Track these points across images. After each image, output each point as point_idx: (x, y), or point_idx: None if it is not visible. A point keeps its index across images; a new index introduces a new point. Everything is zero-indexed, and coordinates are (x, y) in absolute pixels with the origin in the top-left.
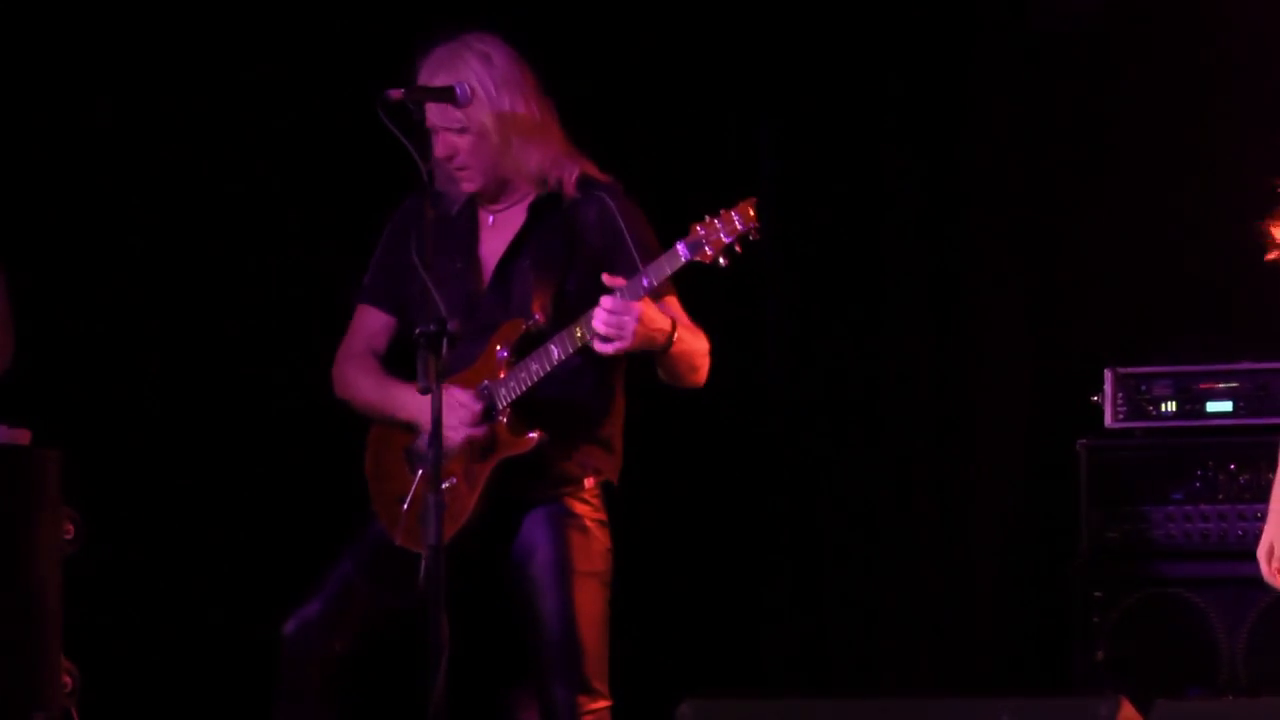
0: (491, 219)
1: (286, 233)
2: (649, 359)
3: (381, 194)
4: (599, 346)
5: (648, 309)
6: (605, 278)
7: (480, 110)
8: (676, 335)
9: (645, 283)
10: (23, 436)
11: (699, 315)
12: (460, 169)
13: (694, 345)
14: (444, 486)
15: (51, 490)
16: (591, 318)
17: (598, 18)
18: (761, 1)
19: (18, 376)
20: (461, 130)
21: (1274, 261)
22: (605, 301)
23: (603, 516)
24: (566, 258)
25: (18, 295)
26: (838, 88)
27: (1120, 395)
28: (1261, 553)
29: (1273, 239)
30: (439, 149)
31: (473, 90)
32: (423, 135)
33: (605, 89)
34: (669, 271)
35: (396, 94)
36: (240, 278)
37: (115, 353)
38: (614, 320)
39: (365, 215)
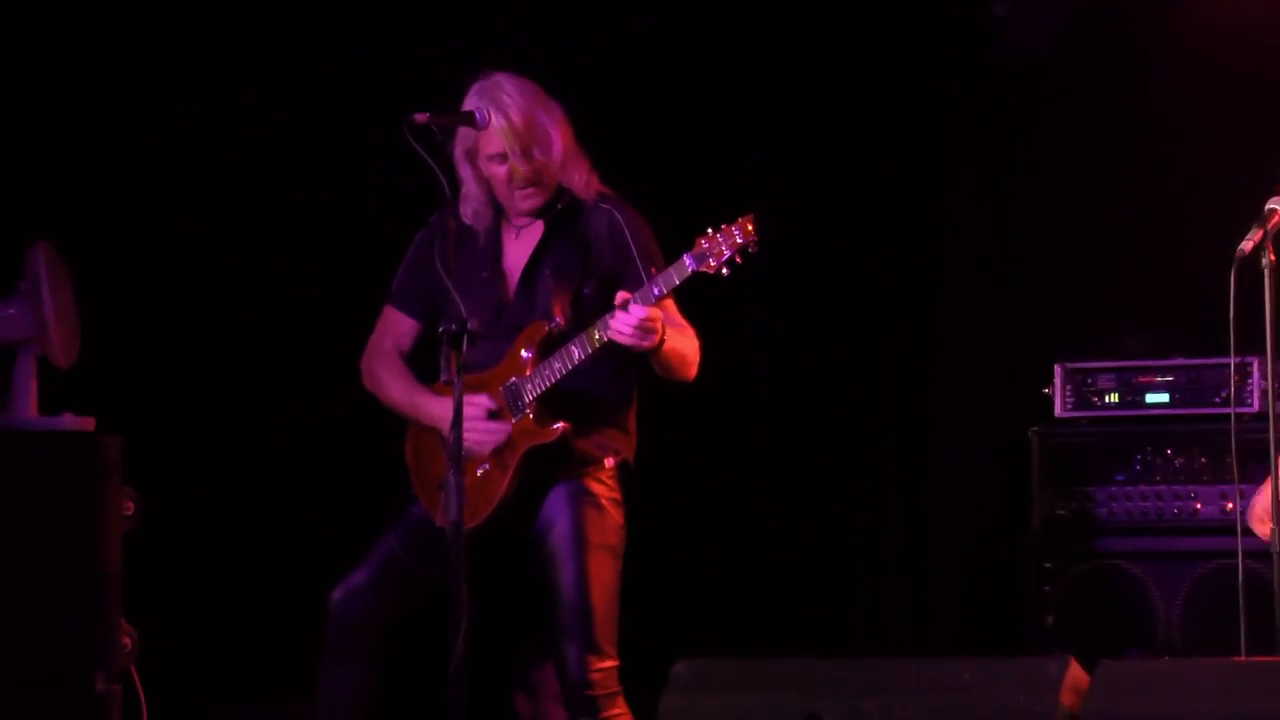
0: (515, 234)
1: (330, 234)
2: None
3: (415, 203)
4: (627, 343)
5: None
6: (619, 296)
7: (535, 132)
8: (665, 335)
9: (655, 292)
10: (88, 424)
11: (692, 319)
12: (524, 188)
13: (683, 345)
14: (478, 473)
15: (113, 472)
16: (607, 324)
17: (607, 51)
18: (751, 36)
19: (83, 370)
20: (525, 154)
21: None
22: (633, 314)
23: (618, 496)
24: (582, 266)
25: (82, 296)
26: (819, 112)
27: (1068, 387)
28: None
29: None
30: (499, 173)
31: (491, 115)
32: (446, 155)
33: (609, 112)
34: (677, 281)
35: (422, 118)
36: (282, 278)
37: (171, 347)
38: (639, 331)
39: (403, 220)
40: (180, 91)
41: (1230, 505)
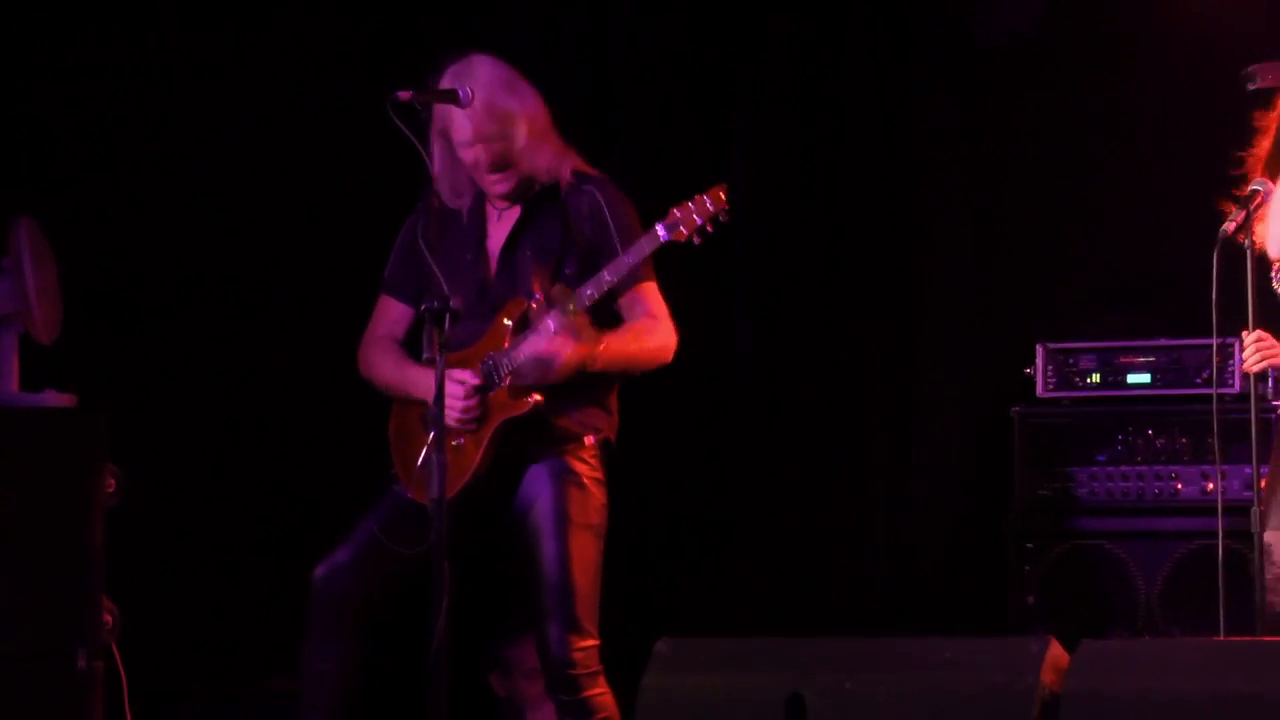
0: (498, 215)
1: (314, 213)
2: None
3: (402, 187)
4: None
5: (567, 351)
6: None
7: (498, 119)
8: (600, 351)
9: (628, 260)
10: (70, 400)
11: (674, 298)
12: (492, 173)
13: (627, 355)
14: (453, 444)
15: (96, 449)
16: (578, 296)
17: (591, 27)
18: (735, 12)
19: (65, 346)
20: (488, 140)
21: (1228, 239)
22: (528, 364)
23: (600, 475)
24: (563, 245)
25: (65, 272)
26: (802, 90)
27: (1050, 368)
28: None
29: (1227, 213)
30: (468, 158)
31: (474, 94)
32: (428, 134)
33: (598, 93)
34: (648, 251)
35: (405, 95)
36: (267, 255)
37: (154, 323)
38: (538, 370)
39: (390, 203)
40: (166, 71)
41: (1211, 486)
